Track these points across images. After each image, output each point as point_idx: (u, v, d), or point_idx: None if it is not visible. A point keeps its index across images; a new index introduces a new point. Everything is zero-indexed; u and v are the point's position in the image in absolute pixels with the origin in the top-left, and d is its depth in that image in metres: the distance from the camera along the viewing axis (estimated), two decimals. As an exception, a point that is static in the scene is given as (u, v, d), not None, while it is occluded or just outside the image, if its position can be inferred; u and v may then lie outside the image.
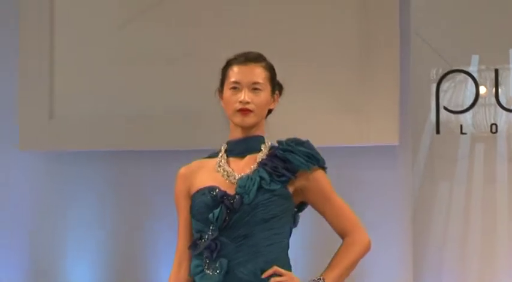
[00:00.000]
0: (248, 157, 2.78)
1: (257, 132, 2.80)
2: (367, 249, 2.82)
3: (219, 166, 2.78)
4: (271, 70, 2.82)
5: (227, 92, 2.78)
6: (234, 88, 2.76)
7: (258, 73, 2.77)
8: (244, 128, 2.78)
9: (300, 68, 5.40)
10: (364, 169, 5.52)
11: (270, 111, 2.85)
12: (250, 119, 2.75)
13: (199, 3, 5.69)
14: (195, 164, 2.85)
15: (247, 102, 2.74)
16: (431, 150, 5.74)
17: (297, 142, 2.79)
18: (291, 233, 2.80)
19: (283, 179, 2.72)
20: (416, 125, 5.64)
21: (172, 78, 5.65)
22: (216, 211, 2.68)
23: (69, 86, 5.79)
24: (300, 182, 2.76)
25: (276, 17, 5.56)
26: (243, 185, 2.70)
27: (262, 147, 2.79)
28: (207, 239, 2.69)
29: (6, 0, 5.97)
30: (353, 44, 5.44)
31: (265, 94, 2.77)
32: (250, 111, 2.74)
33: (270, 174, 2.71)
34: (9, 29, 5.91)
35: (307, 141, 2.81)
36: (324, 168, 2.81)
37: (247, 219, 2.68)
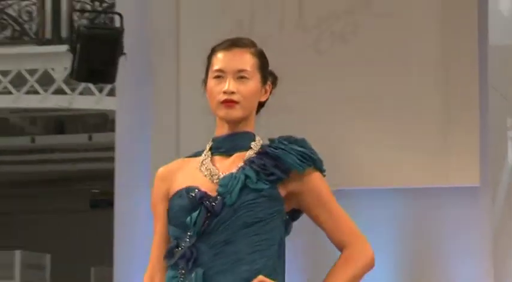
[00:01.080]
0: (235, 155, 2.42)
1: (246, 128, 2.43)
2: (370, 264, 2.42)
3: (202, 165, 2.42)
4: (261, 57, 2.45)
5: (210, 81, 2.42)
6: (218, 77, 2.41)
7: (245, 59, 2.40)
8: (231, 123, 2.42)
9: (386, 111, 6.06)
10: (447, 208, 6.03)
11: (261, 104, 2.48)
12: (236, 112, 2.39)
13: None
14: (176, 163, 2.49)
15: (232, 92, 2.38)
16: (509, 189, 6.24)
17: (291, 140, 2.43)
18: (282, 241, 2.42)
19: (272, 178, 2.37)
20: (494, 167, 6.16)
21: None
22: (194, 214, 2.33)
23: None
24: (293, 185, 2.40)
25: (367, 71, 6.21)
26: (225, 184, 2.35)
27: (252, 145, 2.43)
28: (185, 245, 2.35)
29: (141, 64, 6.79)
30: (435, 91, 6.09)
31: (253, 83, 2.41)
32: (235, 102, 2.38)
33: (257, 173, 2.36)
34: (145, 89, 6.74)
35: (303, 140, 2.44)
36: (321, 170, 2.44)
37: (228, 223, 2.34)
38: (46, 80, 9.76)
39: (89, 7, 9.67)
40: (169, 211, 2.41)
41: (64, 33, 10.03)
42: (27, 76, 9.82)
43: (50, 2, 10.33)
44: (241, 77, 2.39)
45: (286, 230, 2.46)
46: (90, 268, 10.86)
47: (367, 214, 5.54)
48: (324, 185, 2.43)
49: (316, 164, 2.42)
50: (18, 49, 10.14)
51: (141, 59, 6.87)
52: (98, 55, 7.14)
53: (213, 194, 2.36)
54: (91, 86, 9.01)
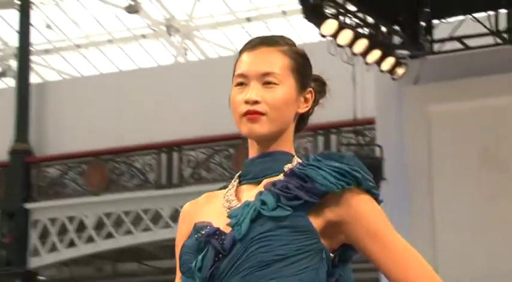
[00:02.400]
0: (266, 181, 1.85)
1: (280, 147, 1.86)
2: None
3: (225, 196, 1.90)
4: (296, 57, 1.88)
5: (233, 90, 1.87)
6: (241, 84, 1.86)
7: (273, 60, 1.84)
8: (261, 142, 1.86)
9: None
10: None
11: (303, 117, 1.91)
12: (261, 127, 1.83)
13: None
14: (204, 197, 1.96)
15: (255, 102, 1.82)
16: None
17: (330, 156, 1.84)
18: None
19: (296, 203, 1.77)
20: None
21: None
22: (199, 257, 1.80)
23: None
24: (332, 212, 1.80)
25: None
26: (235, 214, 1.81)
27: (286, 167, 1.85)
28: None
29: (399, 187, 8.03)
30: None
31: (284, 89, 1.84)
32: (260, 113, 1.82)
33: (277, 197, 1.79)
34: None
35: (348, 155, 1.85)
36: (370, 191, 1.82)
37: (240, 262, 1.76)
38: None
39: (353, 141, 11.13)
40: (180, 257, 1.86)
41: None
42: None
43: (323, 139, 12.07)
44: (268, 82, 1.83)
45: (332, 274, 1.82)
46: None
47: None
48: (374, 209, 1.81)
49: (360, 182, 1.80)
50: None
51: (399, 182, 8.06)
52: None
53: (228, 230, 1.80)
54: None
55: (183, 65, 16.13)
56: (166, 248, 13.56)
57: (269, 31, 16.67)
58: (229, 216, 1.80)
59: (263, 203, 1.77)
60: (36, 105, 14.30)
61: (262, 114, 1.81)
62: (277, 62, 1.83)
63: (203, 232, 1.80)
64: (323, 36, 8.20)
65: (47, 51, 17.78)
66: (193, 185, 12.73)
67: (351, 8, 8.46)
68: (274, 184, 1.80)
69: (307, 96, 1.88)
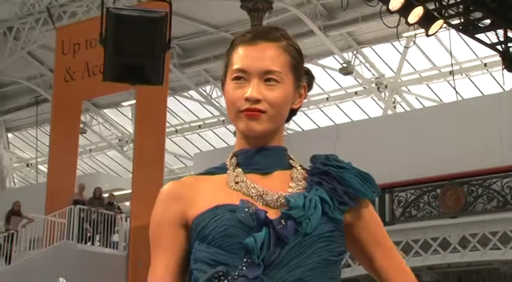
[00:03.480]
0: (279, 173, 1.78)
1: (277, 141, 1.81)
2: None
3: (238, 182, 1.75)
4: (294, 53, 1.81)
5: (229, 84, 1.78)
6: (239, 78, 1.77)
7: (274, 57, 1.77)
8: (257, 137, 1.78)
9: None
10: None
11: (292, 112, 1.83)
12: (260, 125, 1.75)
13: None
14: (187, 180, 1.81)
15: (257, 100, 1.74)
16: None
17: (339, 160, 1.79)
18: None
19: (344, 208, 1.74)
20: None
21: None
22: (260, 235, 1.65)
23: None
24: (349, 215, 1.77)
25: None
26: (298, 205, 1.69)
27: (292, 163, 1.81)
28: (238, 277, 1.65)
29: None
30: None
31: (284, 88, 1.77)
32: (261, 111, 1.75)
33: (331, 198, 1.73)
34: None
35: (346, 162, 1.80)
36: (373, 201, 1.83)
37: (305, 256, 1.68)
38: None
39: None
40: (208, 229, 1.69)
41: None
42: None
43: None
44: (269, 80, 1.76)
45: None
46: None
47: None
48: (378, 219, 1.83)
49: (377, 191, 1.79)
50: (503, 215, 13.15)
51: None
52: None
53: (272, 216, 1.69)
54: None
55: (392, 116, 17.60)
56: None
57: (471, 83, 17.92)
58: (291, 205, 1.68)
59: (323, 200, 1.71)
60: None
61: (262, 112, 1.74)
62: (278, 60, 1.76)
63: (253, 209, 1.68)
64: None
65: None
66: (403, 223, 13.76)
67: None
68: (319, 182, 1.73)
69: (301, 92, 1.82)
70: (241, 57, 1.77)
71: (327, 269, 1.69)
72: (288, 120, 1.83)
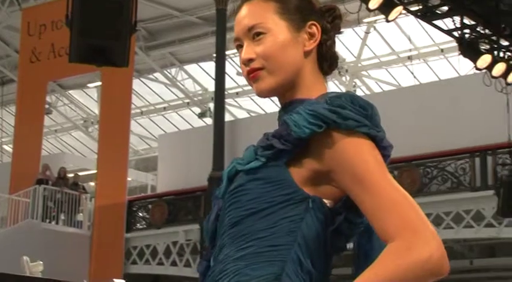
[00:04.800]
0: None
1: (297, 94, 1.66)
2: (421, 262, 1.42)
3: None
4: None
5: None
6: (240, 47, 1.70)
7: (254, 11, 1.67)
8: (276, 95, 1.69)
9: None
10: None
11: (322, 54, 1.69)
12: (264, 82, 1.65)
13: None
14: None
15: (250, 60, 1.65)
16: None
17: (323, 98, 1.58)
18: (306, 240, 1.56)
19: (268, 152, 1.57)
20: None
21: None
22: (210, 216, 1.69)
23: None
24: (317, 160, 1.56)
25: None
26: (224, 172, 1.68)
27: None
28: None
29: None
30: None
31: (273, 36, 1.64)
32: (259, 69, 1.64)
33: (255, 149, 1.61)
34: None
35: (338, 95, 1.57)
36: (361, 132, 1.54)
37: (220, 224, 1.64)
38: (478, 217, 13.08)
39: (509, 161, 12.43)
40: None
41: (490, 181, 13.23)
42: (464, 215, 13.25)
43: (479, 160, 13.66)
44: (256, 35, 1.65)
45: (332, 221, 1.59)
46: None
47: None
48: (358, 151, 1.52)
49: (338, 123, 1.53)
50: (456, 195, 13.57)
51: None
52: None
53: None
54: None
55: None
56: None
57: (429, 68, 18.37)
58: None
59: (241, 159, 1.62)
60: (230, 139, 16.25)
61: (260, 69, 1.64)
62: (258, 11, 1.65)
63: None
64: (478, 69, 9.39)
65: (238, 94, 20.60)
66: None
67: (504, 43, 9.58)
68: (265, 136, 1.62)
69: (311, 31, 1.66)
70: (234, 27, 1.71)
71: (237, 229, 1.58)
72: (323, 66, 1.70)
